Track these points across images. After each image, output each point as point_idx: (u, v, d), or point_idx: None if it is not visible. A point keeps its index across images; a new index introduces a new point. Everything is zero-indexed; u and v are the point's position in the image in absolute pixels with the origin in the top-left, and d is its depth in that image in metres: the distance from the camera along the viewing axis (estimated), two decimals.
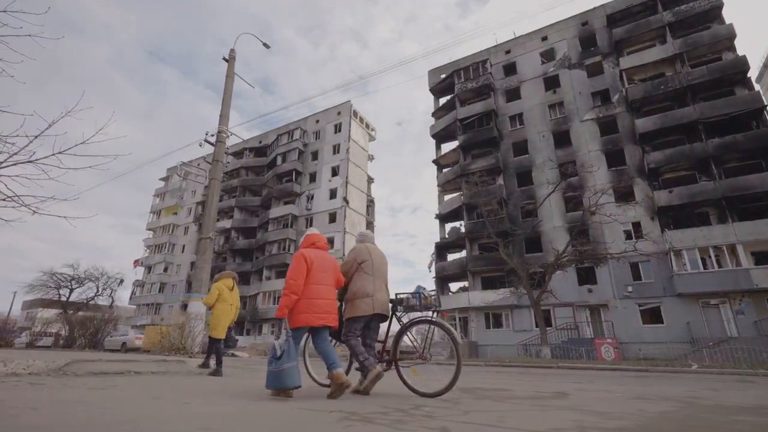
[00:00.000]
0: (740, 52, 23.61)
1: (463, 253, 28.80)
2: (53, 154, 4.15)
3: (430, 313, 3.48)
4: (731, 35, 23.45)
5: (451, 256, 30.38)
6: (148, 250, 49.55)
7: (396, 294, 3.64)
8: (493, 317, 26.03)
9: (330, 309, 3.28)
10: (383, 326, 3.75)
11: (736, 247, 20.12)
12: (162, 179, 54.03)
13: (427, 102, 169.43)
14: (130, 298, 46.22)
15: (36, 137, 4.23)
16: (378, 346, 3.66)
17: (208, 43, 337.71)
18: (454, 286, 31.46)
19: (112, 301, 38.93)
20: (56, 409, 2.07)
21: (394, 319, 3.65)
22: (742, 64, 22.67)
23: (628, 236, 23.12)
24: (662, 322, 21.33)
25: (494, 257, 26.29)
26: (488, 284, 27.39)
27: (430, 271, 30.06)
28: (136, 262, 45.49)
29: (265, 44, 12.51)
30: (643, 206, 23.10)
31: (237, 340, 6.75)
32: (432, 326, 3.39)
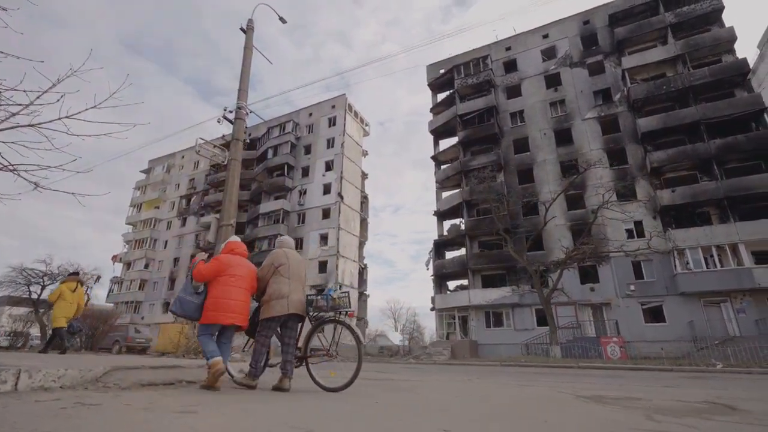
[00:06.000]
0: (739, 54, 23.95)
1: (463, 251, 28.30)
2: (59, 119, 3.28)
3: (335, 313, 3.68)
4: (732, 38, 23.77)
5: (450, 254, 29.84)
6: (127, 246, 47.04)
7: (308, 295, 3.84)
8: (494, 316, 25.62)
9: (241, 310, 3.53)
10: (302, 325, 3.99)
11: (738, 246, 20.30)
12: (143, 171, 51.43)
13: (408, 102, 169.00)
14: (108, 296, 43.68)
15: (39, 96, 3.35)
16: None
17: (188, 38, 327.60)
18: (451, 285, 30.92)
19: (88, 299, 36.45)
20: None
21: (307, 318, 3.87)
22: (742, 67, 23.00)
23: (630, 235, 23.14)
24: (664, 321, 21.37)
25: (495, 255, 25.91)
26: (488, 282, 26.97)
27: (428, 269, 29.46)
28: (115, 258, 42.95)
29: (281, 18, 11.59)
30: (645, 205, 23.13)
31: (81, 329, 8.43)
32: (340, 326, 3.64)
